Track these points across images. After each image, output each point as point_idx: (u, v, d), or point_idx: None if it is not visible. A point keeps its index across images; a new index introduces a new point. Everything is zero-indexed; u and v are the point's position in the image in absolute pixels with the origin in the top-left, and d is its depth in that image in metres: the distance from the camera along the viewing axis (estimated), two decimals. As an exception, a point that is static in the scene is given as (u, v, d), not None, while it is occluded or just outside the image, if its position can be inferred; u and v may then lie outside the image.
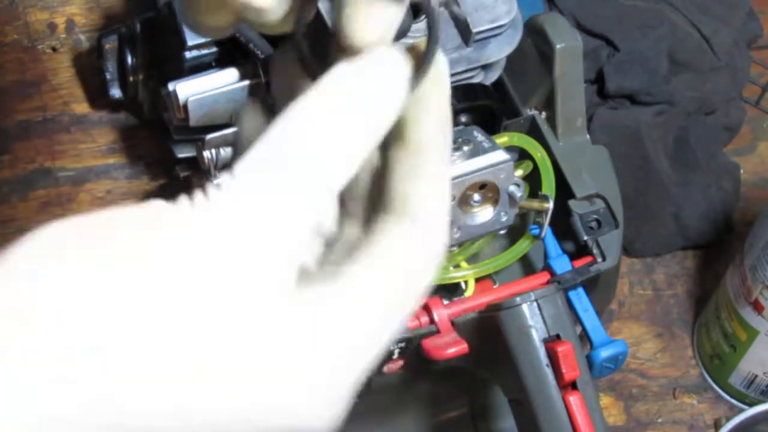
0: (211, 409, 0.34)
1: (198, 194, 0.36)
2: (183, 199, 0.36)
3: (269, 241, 0.36)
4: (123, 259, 0.34)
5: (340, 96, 0.39)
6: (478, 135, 0.70)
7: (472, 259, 0.74)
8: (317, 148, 0.37)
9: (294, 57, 0.42)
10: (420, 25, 0.71)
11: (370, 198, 0.44)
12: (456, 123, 0.73)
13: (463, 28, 0.71)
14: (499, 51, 0.73)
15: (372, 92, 0.39)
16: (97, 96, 0.96)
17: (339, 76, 0.39)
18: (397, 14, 0.40)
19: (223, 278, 0.35)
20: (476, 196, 0.70)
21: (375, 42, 0.40)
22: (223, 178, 0.37)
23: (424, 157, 0.40)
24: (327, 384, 0.36)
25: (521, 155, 0.76)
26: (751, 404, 0.90)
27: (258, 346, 0.35)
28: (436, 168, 0.41)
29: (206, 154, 0.74)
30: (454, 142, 0.69)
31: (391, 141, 0.41)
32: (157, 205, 0.36)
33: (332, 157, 0.38)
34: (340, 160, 0.38)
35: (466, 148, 0.69)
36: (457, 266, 0.73)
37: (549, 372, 0.68)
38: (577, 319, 0.73)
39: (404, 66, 0.40)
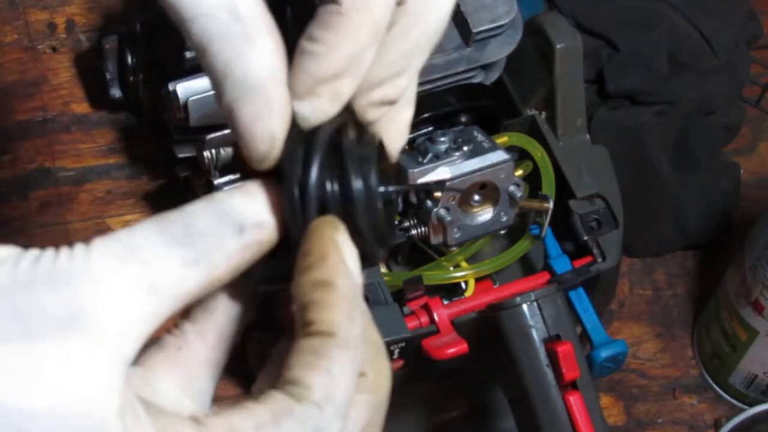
0: None
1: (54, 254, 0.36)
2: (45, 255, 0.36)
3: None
4: None
5: None
6: (478, 135, 0.70)
7: (472, 259, 0.74)
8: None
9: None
10: None
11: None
12: (456, 123, 0.73)
13: (462, 28, 0.71)
14: (499, 51, 0.73)
15: None
16: (97, 96, 0.96)
17: None
18: None
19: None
20: (476, 196, 0.70)
21: None
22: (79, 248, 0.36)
23: (327, 342, 0.38)
24: None
25: (521, 155, 0.76)
26: (751, 404, 0.90)
27: None
28: (340, 352, 0.38)
29: (206, 154, 0.74)
30: (454, 142, 0.69)
31: (297, 322, 0.39)
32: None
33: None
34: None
35: (466, 148, 0.69)
36: (457, 266, 0.73)
37: (549, 372, 0.68)
38: (577, 319, 0.73)
39: None
